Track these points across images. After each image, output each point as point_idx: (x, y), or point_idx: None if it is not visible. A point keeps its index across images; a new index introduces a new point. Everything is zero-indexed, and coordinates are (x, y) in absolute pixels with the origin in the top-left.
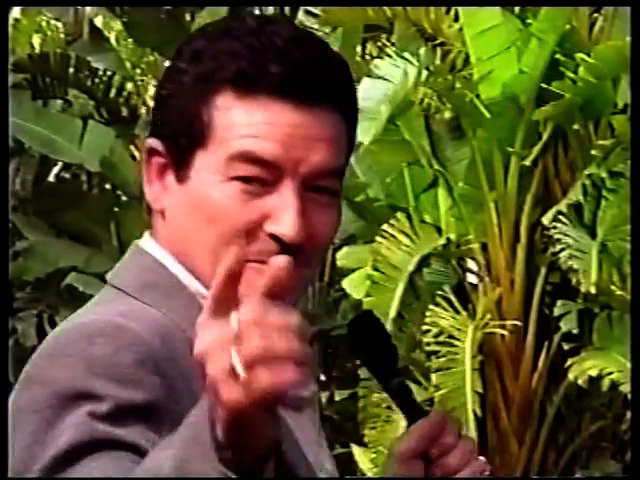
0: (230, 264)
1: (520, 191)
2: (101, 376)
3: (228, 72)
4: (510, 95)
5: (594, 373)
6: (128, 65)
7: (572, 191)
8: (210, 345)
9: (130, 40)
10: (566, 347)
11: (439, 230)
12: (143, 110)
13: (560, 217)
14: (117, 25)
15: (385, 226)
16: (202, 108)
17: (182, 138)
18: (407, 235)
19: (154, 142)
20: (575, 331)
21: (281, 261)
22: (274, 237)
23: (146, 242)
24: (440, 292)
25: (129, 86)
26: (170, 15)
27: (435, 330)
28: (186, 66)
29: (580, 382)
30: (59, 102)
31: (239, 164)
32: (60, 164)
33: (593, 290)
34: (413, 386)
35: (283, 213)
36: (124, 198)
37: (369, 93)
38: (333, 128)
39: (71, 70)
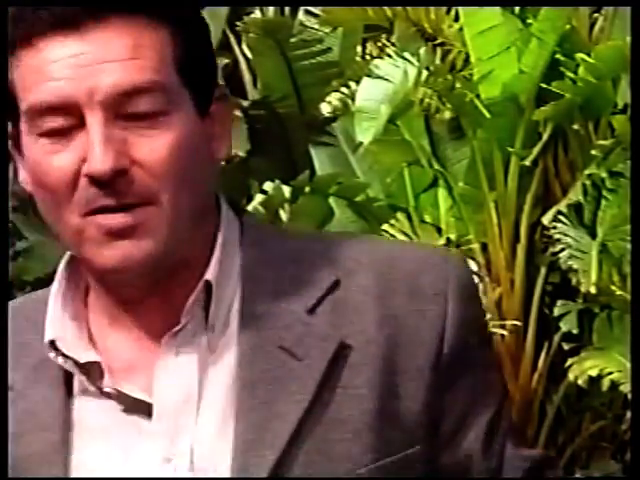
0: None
1: (520, 191)
2: None
3: (12, 31)
4: (510, 95)
5: (594, 373)
6: None
7: (572, 191)
8: None
9: None
10: (566, 347)
11: (439, 230)
12: None
13: (560, 217)
14: None
15: (385, 226)
16: (8, 75)
17: (10, 111)
18: (407, 235)
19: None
20: (575, 331)
21: None
22: (91, 179)
23: None
24: None
25: None
26: None
27: None
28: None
29: (580, 382)
30: None
31: (36, 119)
32: None
33: (593, 290)
34: None
35: (90, 150)
36: None
37: (369, 93)
38: (123, 44)
39: None
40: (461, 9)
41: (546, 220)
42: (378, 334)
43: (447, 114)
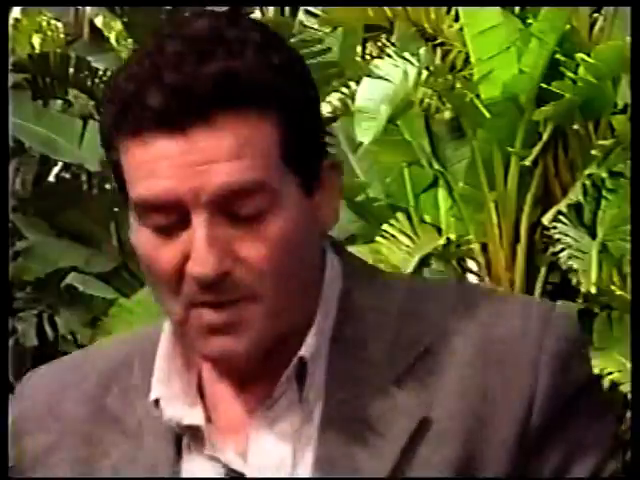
0: None
1: (520, 191)
2: None
3: (115, 111)
4: (510, 95)
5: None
6: None
7: (572, 191)
8: None
9: (130, 40)
10: None
11: (439, 230)
12: None
13: (560, 217)
14: (117, 25)
15: (385, 226)
16: (112, 153)
17: (120, 187)
18: (407, 235)
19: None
20: None
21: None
22: (194, 279)
23: None
24: None
25: None
26: (170, 15)
27: None
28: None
29: None
30: (59, 102)
31: (141, 211)
32: (60, 164)
33: (593, 290)
34: None
35: (194, 250)
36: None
37: (369, 93)
38: (232, 142)
39: (71, 70)
40: (461, 9)
41: (546, 220)
42: (462, 405)
43: (447, 114)
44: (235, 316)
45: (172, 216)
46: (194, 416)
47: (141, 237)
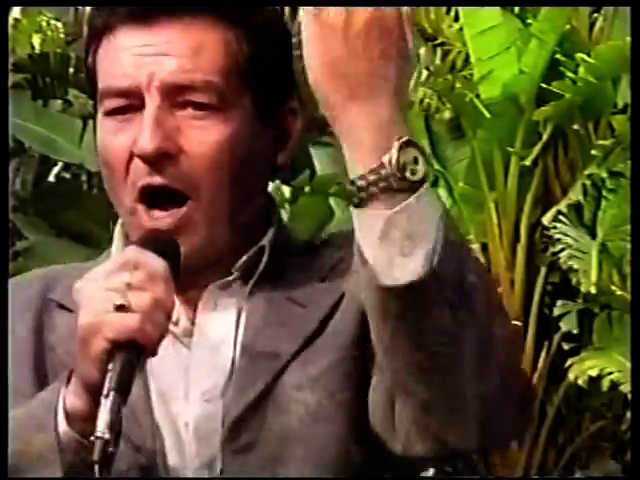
0: None
1: (520, 191)
2: None
3: (92, 22)
4: (510, 95)
5: (594, 373)
6: None
7: (572, 191)
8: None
9: None
10: (566, 347)
11: None
12: None
13: (560, 217)
14: None
15: None
16: (88, 59)
17: (92, 94)
18: None
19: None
20: (575, 331)
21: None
22: (139, 157)
23: None
24: None
25: None
26: None
27: None
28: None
29: (580, 382)
30: (59, 102)
31: (106, 99)
32: (60, 164)
33: (593, 290)
34: None
35: (141, 129)
36: None
37: None
38: (190, 39)
39: (71, 70)
40: (461, 9)
41: (546, 220)
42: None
43: (447, 114)
44: (174, 221)
45: (129, 99)
46: None
47: (102, 128)
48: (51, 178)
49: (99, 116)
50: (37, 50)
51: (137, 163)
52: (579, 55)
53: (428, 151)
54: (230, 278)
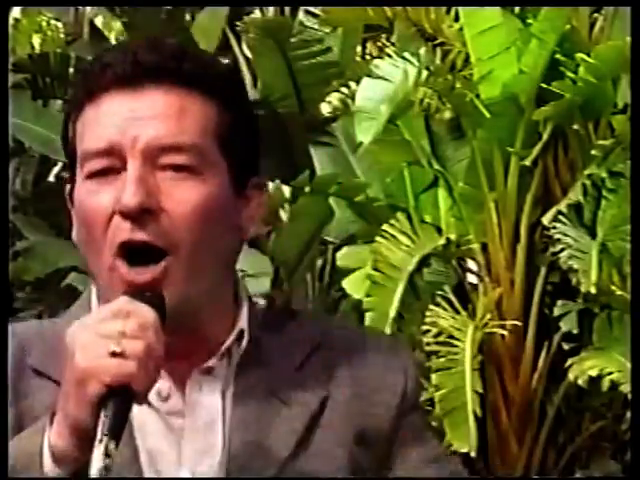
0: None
1: (520, 191)
2: None
3: (79, 87)
4: (510, 95)
5: (594, 373)
6: None
7: (572, 191)
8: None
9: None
10: (566, 347)
11: (439, 230)
12: None
13: (560, 217)
14: (117, 25)
15: (385, 226)
16: (69, 130)
17: (70, 166)
18: (407, 235)
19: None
20: (575, 331)
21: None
22: (121, 214)
23: None
24: (440, 292)
25: None
26: (170, 15)
27: (435, 330)
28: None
29: (580, 382)
30: (59, 102)
31: (87, 162)
32: (60, 164)
33: (593, 290)
34: None
35: (124, 187)
36: None
37: (369, 93)
38: (170, 106)
39: (71, 70)
40: (461, 9)
41: (546, 220)
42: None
43: (447, 114)
44: (154, 274)
45: (111, 160)
46: None
47: (81, 190)
48: (51, 178)
49: (78, 181)
50: (37, 50)
51: (118, 220)
52: (579, 55)
53: (428, 151)
54: (210, 364)
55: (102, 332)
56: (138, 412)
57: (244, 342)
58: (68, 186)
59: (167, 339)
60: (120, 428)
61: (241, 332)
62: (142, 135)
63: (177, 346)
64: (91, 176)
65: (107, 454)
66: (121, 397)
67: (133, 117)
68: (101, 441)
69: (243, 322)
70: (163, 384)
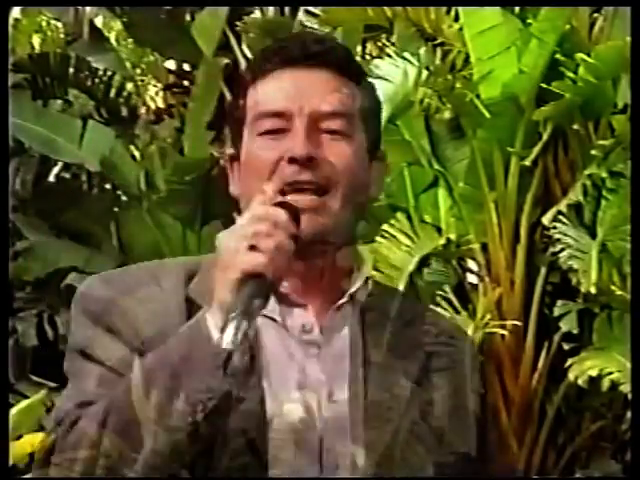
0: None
1: (520, 191)
2: None
3: (256, 66)
4: (510, 95)
5: (594, 373)
6: (128, 65)
7: (572, 191)
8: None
9: (130, 40)
10: (566, 347)
11: (439, 230)
12: (143, 110)
13: (560, 217)
14: (117, 25)
15: (385, 226)
16: (240, 101)
17: (233, 128)
18: (407, 235)
19: (228, 149)
20: (575, 331)
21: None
22: (291, 160)
23: None
24: (440, 292)
25: (129, 86)
26: (170, 15)
27: None
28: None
29: (580, 382)
30: (59, 102)
31: (261, 121)
32: (60, 164)
33: (593, 290)
34: None
35: (294, 142)
36: (124, 198)
37: None
38: (329, 84)
39: (71, 70)
40: (461, 9)
41: (546, 220)
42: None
43: (447, 114)
44: (320, 202)
45: (282, 121)
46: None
47: (253, 144)
48: (51, 178)
49: (248, 138)
50: (37, 50)
51: (285, 165)
52: (579, 55)
53: (428, 151)
54: (343, 301)
55: (242, 233)
56: (282, 339)
57: (369, 287)
58: (230, 149)
59: (306, 262)
60: (253, 309)
61: (366, 279)
62: (308, 104)
63: (314, 274)
64: (263, 134)
65: (239, 328)
66: (255, 283)
67: (302, 90)
68: (234, 318)
69: (368, 269)
70: (309, 318)
